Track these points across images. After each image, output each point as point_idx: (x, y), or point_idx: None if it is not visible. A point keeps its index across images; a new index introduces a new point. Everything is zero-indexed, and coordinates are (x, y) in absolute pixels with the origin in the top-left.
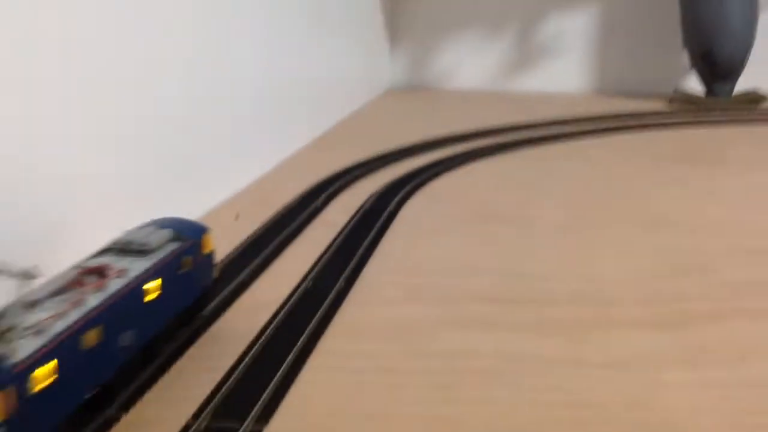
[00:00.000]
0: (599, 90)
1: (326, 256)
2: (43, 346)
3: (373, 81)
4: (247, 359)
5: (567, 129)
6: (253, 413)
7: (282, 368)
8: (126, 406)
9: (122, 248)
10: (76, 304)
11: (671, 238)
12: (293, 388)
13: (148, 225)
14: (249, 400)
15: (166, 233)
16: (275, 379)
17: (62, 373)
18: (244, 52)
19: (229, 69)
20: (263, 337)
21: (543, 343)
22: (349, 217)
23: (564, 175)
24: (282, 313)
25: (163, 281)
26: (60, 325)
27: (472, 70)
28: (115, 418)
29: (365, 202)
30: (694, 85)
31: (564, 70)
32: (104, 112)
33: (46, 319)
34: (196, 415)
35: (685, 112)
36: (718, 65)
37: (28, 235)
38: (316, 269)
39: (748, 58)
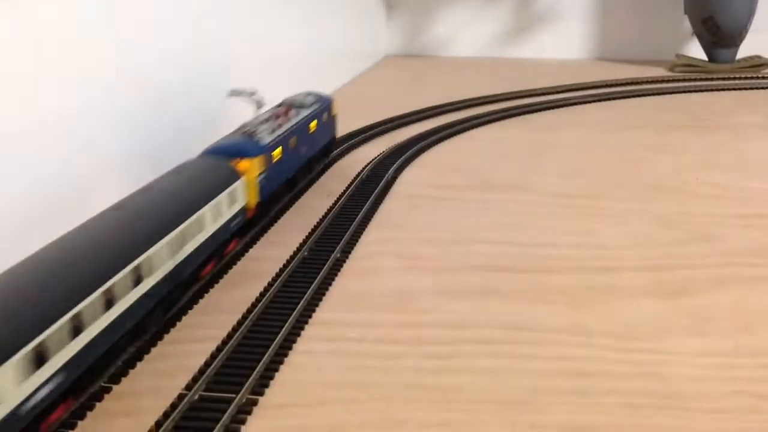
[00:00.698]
0: (600, 57)
1: (323, 225)
2: (275, 139)
3: (370, 49)
4: (241, 329)
5: (566, 96)
6: (247, 384)
7: (277, 338)
8: (118, 377)
9: (290, 103)
10: (281, 125)
11: (673, 205)
12: (289, 358)
13: (302, 93)
14: (244, 370)
15: (313, 97)
16: (270, 349)
17: (283, 157)
18: (242, 21)
19: (226, 39)
20: (258, 307)
21: (543, 312)
22: (346, 186)
23: (563, 143)
24: (277, 282)
25: (317, 123)
26: (278, 132)
27: (470, 37)
28: (106, 390)
29: (362, 171)
30: (696, 51)
31: (563, 37)
32: None
33: (270, 129)
34: (190, 386)
35: (686, 77)
36: (720, 31)
37: None
38: (312, 238)
39: (750, 24)
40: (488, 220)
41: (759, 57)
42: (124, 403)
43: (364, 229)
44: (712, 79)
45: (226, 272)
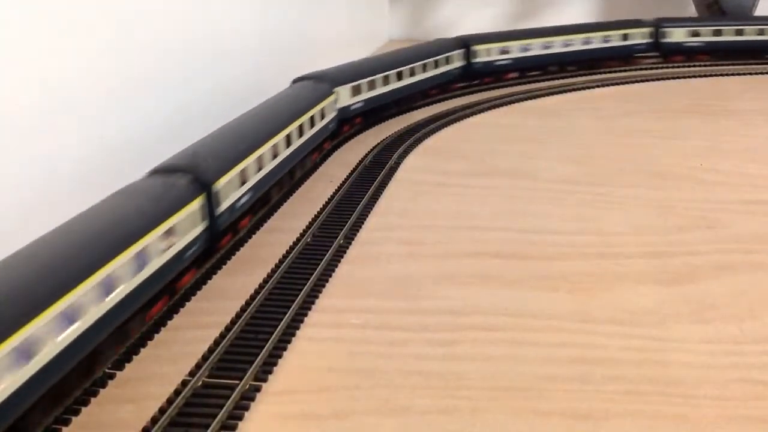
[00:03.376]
0: None
1: (326, 212)
2: None
3: (373, 34)
4: (245, 315)
5: (569, 81)
6: (251, 370)
7: (280, 325)
8: (121, 363)
9: None
10: None
11: (677, 191)
12: (292, 344)
13: None
14: (247, 356)
15: None
16: (274, 335)
17: None
18: (243, 6)
19: (228, 24)
20: (261, 293)
21: (546, 299)
22: (348, 172)
23: (566, 129)
24: (281, 268)
25: None
26: None
27: (473, 21)
28: (110, 376)
29: (365, 157)
30: None
31: (568, 20)
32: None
33: None
34: (194, 372)
35: (691, 63)
36: (724, 15)
37: None
38: (315, 225)
39: (755, 9)
40: (491, 207)
41: None
42: (127, 389)
43: (367, 216)
44: (718, 65)
45: (229, 258)
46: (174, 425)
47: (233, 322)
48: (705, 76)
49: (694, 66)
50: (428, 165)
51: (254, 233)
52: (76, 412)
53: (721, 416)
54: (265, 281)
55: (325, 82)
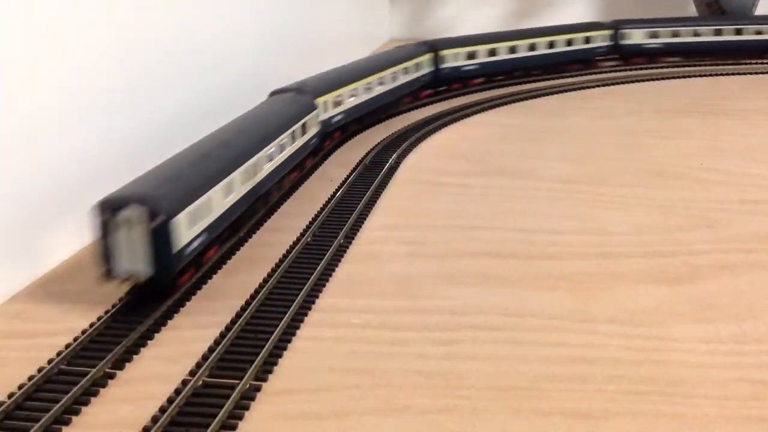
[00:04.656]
0: None
1: (325, 212)
2: None
3: (373, 34)
4: (245, 315)
5: (569, 81)
6: (251, 370)
7: (281, 324)
8: (122, 363)
9: None
10: None
11: (677, 191)
12: (292, 344)
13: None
14: (247, 356)
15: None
16: (274, 335)
17: None
18: (245, 6)
19: (229, 23)
20: (262, 293)
21: (546, 299)
22: (348, 172)
23: (567, 129)
24: (281, 268)
25: None
26: None
27: (474, 21)
28: (110, 376)
29: (365, 157)
30: None
31: (568, 20)
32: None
33: None
34: (194, 372)
35: (692, 62)
36: (724, 15)
37: None
38: (315, 224)
39: (755, 8)
40: (491, 206)
41: None
42: (128, 389)
43: (367, 215)
44: (717, 64)
45: (229, 258)
46: (174, 425)
47: (233, 322)
48: (705, 75)
49: (694, 66)
50: (428, 165)
51: (255, 232)
52: (77, 412)
53: (721, 416)
54: (266, 281)
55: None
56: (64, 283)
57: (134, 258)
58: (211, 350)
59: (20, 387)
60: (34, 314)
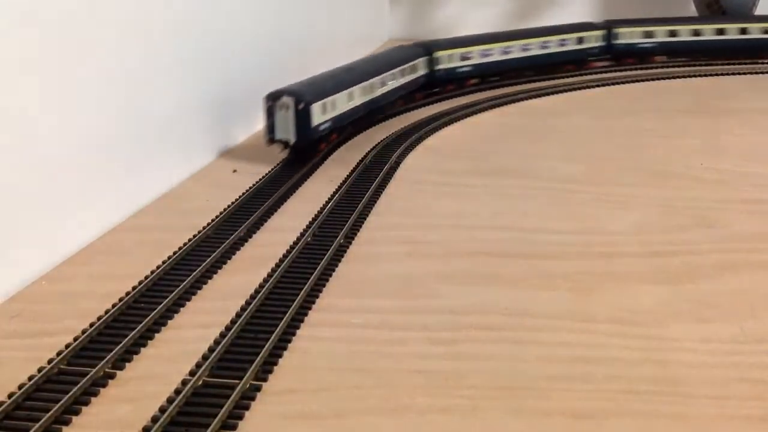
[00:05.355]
0: None
1: (325, 211)
2: None
3: (372, 34)
4: (245, 315)
5: (570, 80)
6: (251, 369)
7: (281, 324)
8: (122, 363)
9: None
10: None
11: (677, 190)
12: (292, 344)
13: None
14: (247, 356)
15: None
16: (274, 334)
17: None
18: (242, 5)
19: (226, 23)
20: (261, 293)
21: (546, 298)
22: (348, 172)
23: (567, 128)
24: (281, 268)
25: None
26: None
27: (473, 21)
28: (110, 376)
29: (365, 157)
30: None
31: (568, 19)
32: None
33: None
34: (194, 372)
35: (692, 62)
36: (724, 15)
37: None
38: (315, 224)
39: (755, 8)
40: (491, 206)
41: None
42: (128, 388)
43: (367, 215)
44: (717, 64)
45: (229, 258)
46: (174, 424)
47: (233, 322)
48: (705, 75)
49: (694, 66)
50: (428, 164)
51: (255, 232)
52: (77, 412)
53: (721, 416)
54: (266, 280)
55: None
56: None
57: (286, 130)
58: (211, 350)
59: (20, 387)
60: (34, 314)
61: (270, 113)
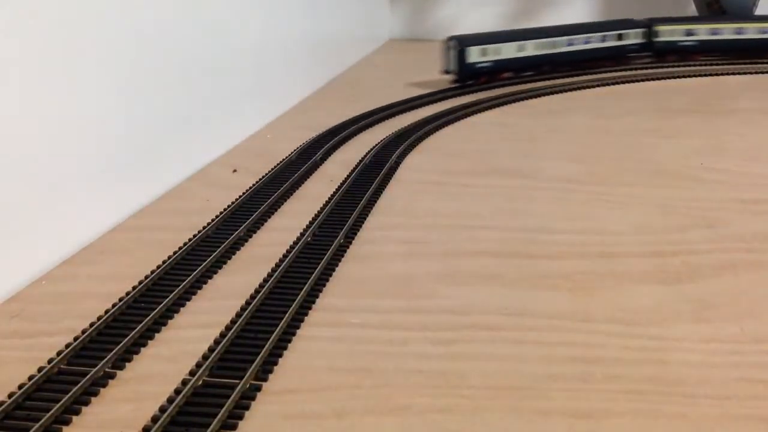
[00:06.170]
0: None
1: (326, 211)
2: None
3: (373, 33)
4: (245, 315)
5: (570, 80)
6: (251, 369)
7: (281, 324)
8: (122, 363)
9: None
10: None
11: (677, 190)
12: (292, 344)
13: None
14: (247, 356)
15: None
16: (274, 334)
17: None
18: (244, 5)
19: (228, 22)
20: (262, 293)
21: (546, 298)
22: (348, 172)
23: (566, 128)
24: (281, 268)
25: None
26: None
27: (473, 20)
28: (110, 375)
29: (365, 156)
30: None
31: (568, 19)
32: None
33: None
34: (194, 372)
35: (692, 62)
36: (724, 14)
37: None
38: (315, 224)
39: (756, 8)
40: (491, 206)
41: None
42: (128, 388)
43: (367, 215)
44: (718, 64)
45: (229, 257)
46: (174, 424)
47: (233, 322)
48: (705, 75)
49: (694, 65)
50: (428, 164)
51: (255, 232)
52: (77, 412)
53: (721, 415)
54: (266, 280)
55: None
56: None
57: (450, 64)
58: (211, 350)
59: (20, 386)
60: (34, 314)
61: (445, 52)
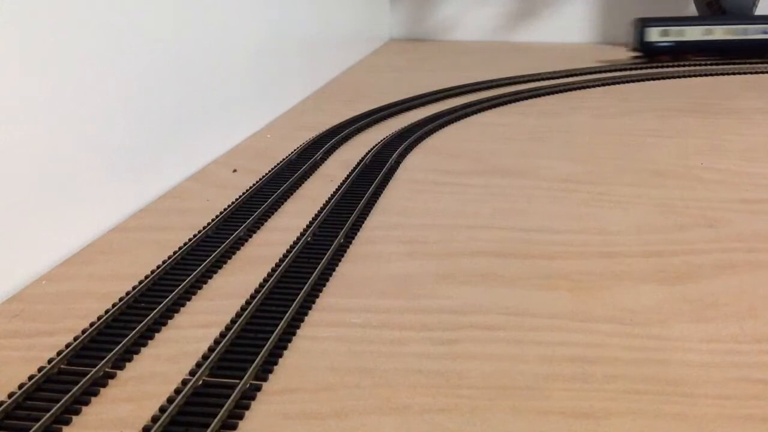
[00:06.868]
0: (603, 41)
1: (325, 211)
2: None
3: (374, 33)
4: (245, 315)
5: (569, 80)
6: (251, 369)
7: (281, 324)
8: (122, 363)
9: None
10: None
11: (677, 190)
12: (292, 344)
13: None
14: (247, 356)
15: None
16: (274, 334)
17: None
18: (245, 4)
19: (227, 22)
20: (261, 293)
21: (546, 298)
22: (348, 172)
23: (567, 128)
24: (281, 268)
25: None
26: None
27: (474, 21)
28: (110, 375)
29: (365, 156)
30: None
31: (568, 21)
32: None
33: None
34: (194, 372)
35: (692, 62)
36: (724, 14)
37: None
38: (315, 224)
39: (755, 8)
40: (491, 206)
41: None
42: (128, 388)
43: (367, 215)
44: (718, 64)
45: (229, 257)
46: (174, 424)
47: (234, 322)
48: (705, 75)
49: (694, 65)
50: (428, 164)
51: (255, 232)
52: (77, 411)
53: (721, 415)
54: (266, 280)
55: None
56: None
57: (633, 41)
58: (211, 350)
59: (20, 386)
60: (34, 314)
61: (632, 30)
